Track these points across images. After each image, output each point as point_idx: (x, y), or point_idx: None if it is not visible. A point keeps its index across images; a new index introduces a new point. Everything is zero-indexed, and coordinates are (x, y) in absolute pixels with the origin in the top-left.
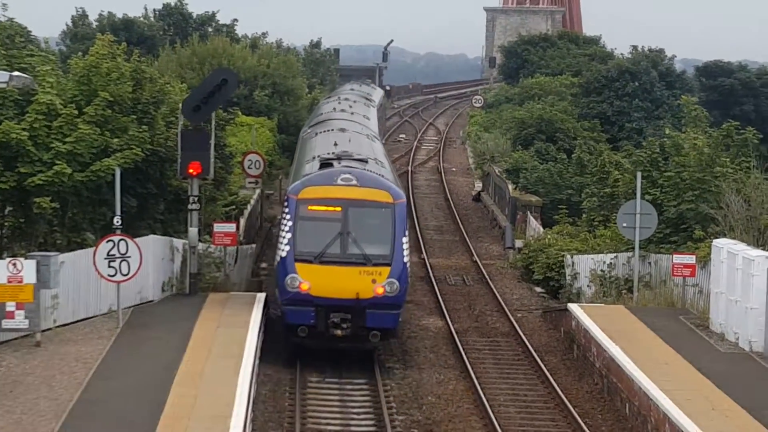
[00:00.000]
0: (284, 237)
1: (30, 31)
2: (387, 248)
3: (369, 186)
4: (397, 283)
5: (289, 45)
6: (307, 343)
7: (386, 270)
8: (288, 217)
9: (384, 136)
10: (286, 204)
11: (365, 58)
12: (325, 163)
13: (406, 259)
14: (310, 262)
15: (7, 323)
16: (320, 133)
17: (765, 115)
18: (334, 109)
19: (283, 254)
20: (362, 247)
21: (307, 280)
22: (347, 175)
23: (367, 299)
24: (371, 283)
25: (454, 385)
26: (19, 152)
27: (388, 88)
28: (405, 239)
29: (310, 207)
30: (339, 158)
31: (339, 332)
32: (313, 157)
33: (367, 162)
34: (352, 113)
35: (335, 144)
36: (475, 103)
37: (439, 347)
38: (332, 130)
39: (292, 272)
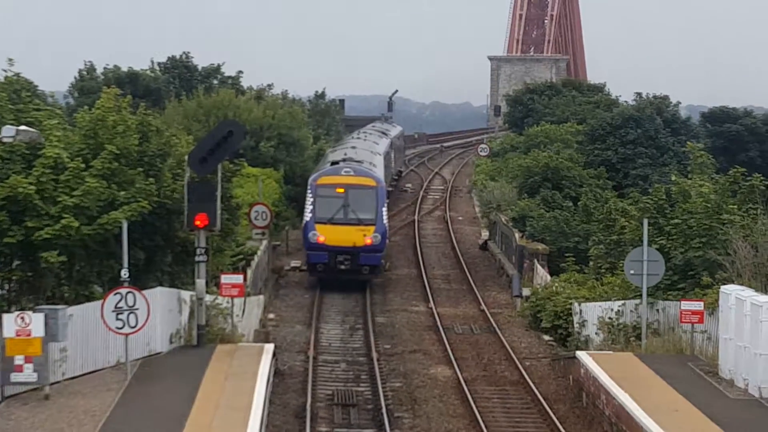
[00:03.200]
0: (308, 208)
1: (36, 86)
2: (372, 214)
3: (360, 175)
4: (379, 236)
5: (294, 96)
6: (323, 276)
7: (372, 228)
8: (310, 195)
9: (402, 159)
10: (309, 187)
11: (371, 108)
12: (334, 163)
13: (385, 221)
14: (324, 223)
15: (15, 376)
16: (338, 149)
17: None
18: (352, 137)
19: (307, 218)
20: (357, 213)
21: (323, 234)
22: (347, 169)
23: (360, 246)
24: (363, 236)
25: None
26: (27, 206)
27: None
28: (384, 209)
29: (323, 189)
30: (344, 160)
31: (343, 267)
32: (329, 161)
33: (362, 163)
34: (365, 139)
35: (345, 154)
36: (480, 151)
37: (448, 396)
38: (346, 146)
39: (313, 230)
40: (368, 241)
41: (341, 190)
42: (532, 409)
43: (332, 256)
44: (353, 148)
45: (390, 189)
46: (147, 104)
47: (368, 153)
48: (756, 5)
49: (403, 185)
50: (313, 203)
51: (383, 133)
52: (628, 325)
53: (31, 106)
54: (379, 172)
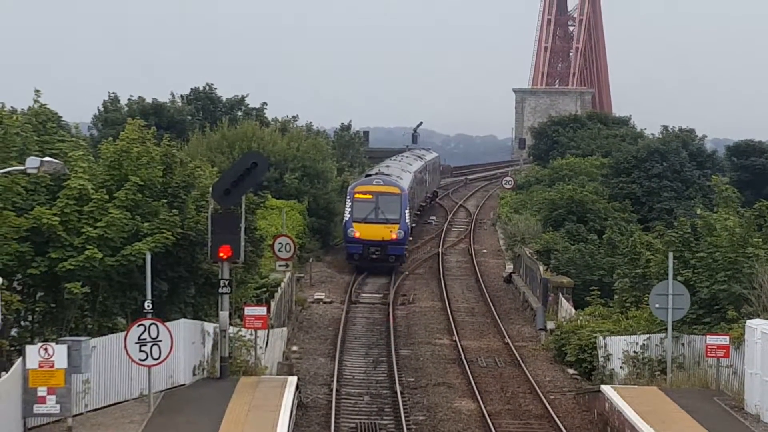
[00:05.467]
0: (347, 210)
1: (61, 117)
2: (397, 215)
3: (388, 185)
4: (403, 232)
5: (318, 128)
6: (359, 264)
7: (397, 226)
8: (349, 200)
9: (437, 182)
10: (348, 194)
11: (395, 140)
12: (368, 175)
13: (408, 221)
14: (360, 222)
15: (38, 408)
16: (375, 166)
17: None
18: (391, 159)
19: (346, 218)
20: (385, 214)
21: (358, 230)
22: (378, 180)
23: (388, 240)
24: (390, 232)
25: None
26: (50, 237)
27: None
28: (407, 211)
29: (359, 195)
30: (376, 174)
31: (374, 256)
32: (364, 175)
33: (391, 176)
34: (400, 161)
35: (379, 170)
36: (505, 184)
37: (472, 430)
38: (382, 165)
39: (351, 227)
40: (394, 236)
41: (372, 196)
42: None
43: (366, 248)
44: (387, 166)
45: (423, 204)
46: (171, 136)
47: (399, 170)
48: None
49: (428, 218)
50: (351, 206)
51: (419, 157)
52: (654, 359)
53: (56, 138)
54: (405, 183)
